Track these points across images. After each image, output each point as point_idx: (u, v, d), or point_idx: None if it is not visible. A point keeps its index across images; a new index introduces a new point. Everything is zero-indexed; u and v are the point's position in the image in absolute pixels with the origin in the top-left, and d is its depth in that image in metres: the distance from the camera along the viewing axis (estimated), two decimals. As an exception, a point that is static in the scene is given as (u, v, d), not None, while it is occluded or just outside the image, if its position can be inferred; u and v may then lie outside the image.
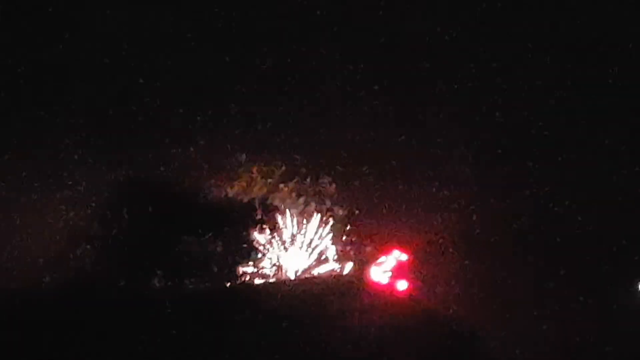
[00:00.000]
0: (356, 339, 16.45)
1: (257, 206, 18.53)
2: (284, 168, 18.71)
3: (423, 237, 18.30)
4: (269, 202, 18.58)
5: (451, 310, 17.74)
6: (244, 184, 18.65)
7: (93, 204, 18.22)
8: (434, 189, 18.47)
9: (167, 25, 18.34)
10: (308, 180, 18.69)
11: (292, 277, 18.30)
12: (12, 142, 17.91)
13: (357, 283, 17.94)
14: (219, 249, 18.11)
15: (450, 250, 18.23)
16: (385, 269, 18.12)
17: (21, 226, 17.80)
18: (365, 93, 18.58)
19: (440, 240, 18.30)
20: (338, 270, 18.49)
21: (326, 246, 18.55)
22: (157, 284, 17.78)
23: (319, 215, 18.53)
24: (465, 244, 18.22)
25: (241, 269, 18.13)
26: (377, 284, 18.08)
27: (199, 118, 18.50)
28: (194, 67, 18.54)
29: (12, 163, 17.85)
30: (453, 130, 18.54)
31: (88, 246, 18.05)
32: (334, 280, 18.09)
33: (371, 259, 18.33)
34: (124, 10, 18.14)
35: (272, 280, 18.20)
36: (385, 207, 18.47)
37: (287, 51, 18.49)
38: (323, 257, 18.54)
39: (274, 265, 18.30)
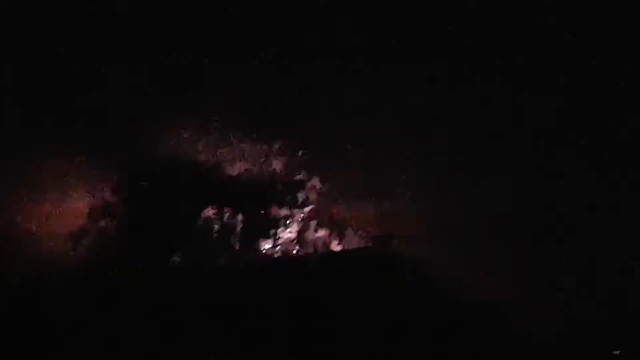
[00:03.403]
0: (381, 314, 16.39)
1: (277, 181, 18.43)
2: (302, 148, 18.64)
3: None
4: (288, 177, 18.48)
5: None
6: (264, 159, 18.56)
7: (112, 180, 18.16)
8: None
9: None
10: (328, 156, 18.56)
11: (313, 252, 18.19)
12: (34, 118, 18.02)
13: (380, 258, 17.81)
14: (239, 224, 18.02)
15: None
16: None
17: (42, 202, 17.83)
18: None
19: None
20: (360, 245, 18.35)
21: (346, 220, 18.42)
22: (177, 259, 17.68)
23: (340, 191, 18.42)
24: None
25: (261, 244, 18.03)
26: None
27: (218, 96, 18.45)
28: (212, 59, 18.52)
29: (33, 137, 17.93)
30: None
31: (107, 222, 18.01)
32: (356, 255, 18.00)
33: None
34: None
35: (292, 255, 18.10)
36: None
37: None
38: (343, 231, 18.41)
39: (294, 240, 18.19)
